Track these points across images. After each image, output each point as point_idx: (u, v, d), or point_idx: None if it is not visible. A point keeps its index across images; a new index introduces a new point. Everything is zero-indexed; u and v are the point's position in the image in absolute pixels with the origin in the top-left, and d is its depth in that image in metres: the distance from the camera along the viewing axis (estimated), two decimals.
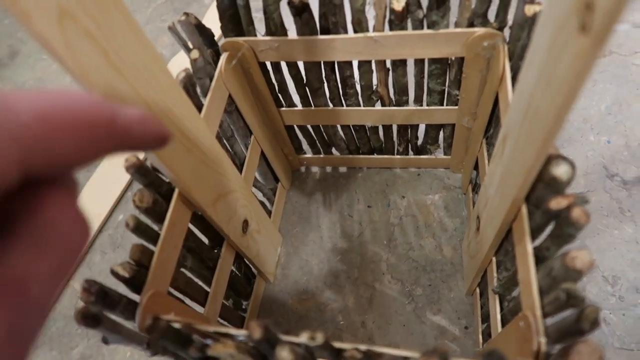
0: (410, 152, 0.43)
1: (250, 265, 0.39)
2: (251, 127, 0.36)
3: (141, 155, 0.25)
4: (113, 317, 0.22)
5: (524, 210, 0.23)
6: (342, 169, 0.46)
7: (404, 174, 0.45)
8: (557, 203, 0.20)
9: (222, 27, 0.31)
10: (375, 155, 0.44)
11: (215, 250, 0.33)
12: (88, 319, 0.19)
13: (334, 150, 0.44)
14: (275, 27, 0.30)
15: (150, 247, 0.25)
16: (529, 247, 0.22)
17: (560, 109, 0.17)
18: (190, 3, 0.60)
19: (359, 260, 0.41)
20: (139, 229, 0.25)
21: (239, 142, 0.35)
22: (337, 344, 0.20)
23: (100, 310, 0.20)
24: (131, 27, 0.20)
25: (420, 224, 0.42)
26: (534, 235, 0.22)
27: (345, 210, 0.44)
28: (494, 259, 0.30)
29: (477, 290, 0.36)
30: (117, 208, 0.48)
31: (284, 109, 0.38)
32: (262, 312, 0.40)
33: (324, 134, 0.42)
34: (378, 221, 0.43)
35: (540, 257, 0.22)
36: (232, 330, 0.22)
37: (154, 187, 0.26)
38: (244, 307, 0.38)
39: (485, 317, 0.34)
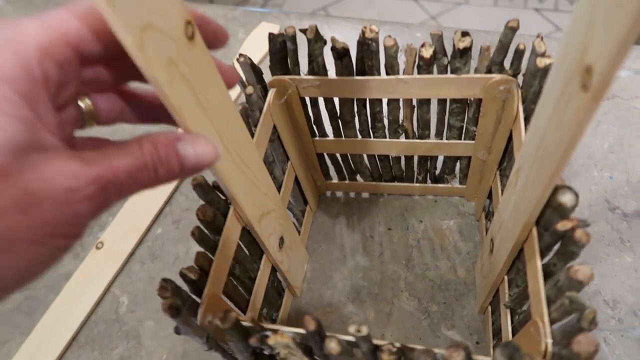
0: (429, 180, 0.47)
1: (281, 279, 0.42)
2: (289, 154, 0.41)
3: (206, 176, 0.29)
4: None
5: (535, 232, 0.27)
6: (365, 195, 0.50)
7: (422, 200, 0.49)
8: (563, 225, 0.24)
9: (271, 67, 0.36)
10: (396, 183, 0.48)
11: (256, 263, 0.37)
12: (173, 309, 0.23)
13: (358, 177, 0.48)
14: (318, 68, 0.35)
15: (209, 255, 0.29)
16: (539, 263, 0.26)
17: (565, 149, 0.21)
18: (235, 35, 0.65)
19: (379, 277, 0.45)
20: (201, 239, 0.29)
21: (278, 167, 0.40)
22: (375, 340, 0.24)
23: (181, 304, 0.24)
24: (212, 72, 0.25)
25: (436, 247, 0.46)
26: (543, 253, 0.26)
27: (367, 231, 0.48)
28: (505, 277, 0.34)
29: (489, 308, 0.40)
30: (156, 222, 0.52)
31: (317, 138, 0.43)
32: (290, 324, 0.43)
33: (351, 162, 0.46)
34: (397, 243, 0.47)
35: (548, 272, 0.26)
36: (284, 327, 0.26)
37: (213, 204, 0.30)
38: (274, 317, 0.42)
39: (496, 332, 0.37)
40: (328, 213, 0.50)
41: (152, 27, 0.20)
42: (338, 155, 0.46)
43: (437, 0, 1.80)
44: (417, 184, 0.47)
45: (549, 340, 0.24)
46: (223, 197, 0.31)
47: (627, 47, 0.16)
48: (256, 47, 0.61)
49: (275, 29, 0.63)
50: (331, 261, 0.47)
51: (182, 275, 0.27)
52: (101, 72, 0.22)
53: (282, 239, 0.39)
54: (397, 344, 0.24)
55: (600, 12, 0.17)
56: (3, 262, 0.17)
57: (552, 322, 0.24)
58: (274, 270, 0.40)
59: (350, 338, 0.24)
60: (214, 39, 0.24)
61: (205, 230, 0.30)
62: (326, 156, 0.46)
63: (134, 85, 0.24)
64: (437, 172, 0.46)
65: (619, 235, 0.43)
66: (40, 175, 0.17)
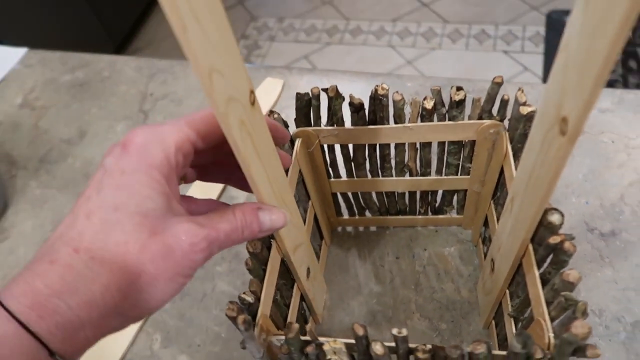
0: (430, 212, 0.53)
1: (307, 307, 0.47)
2: (310, 194, 0.46)
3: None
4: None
5: (531, 247, 0.33)
6: (373, 228, 0.56)
7: (424, 231, 0.55)
8: (554, 239, 0.30)
9: (296, 120, 0.42)
10: (401, 216, 0.54)
11: (289, 291, 0.42)
12: (247, 323, 0.28)
13: (367, 212, 0.54)
14: (337, 120, 0.41)
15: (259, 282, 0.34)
16: (537, 273, 0.32)
17: (552, 179, 0.27)
18: None
19: (392, 302, 0.50)
20: (253, 268, 0.34)
21: (301, 205, 0.45)
22: (411, 344, 0.29)
23: (251, 319, 0.29)
24: (265, 129, 0.31)
25: (441, 271, 0.51)
26: (539, 264, 0.32)
27: (377, 261, 0.53)
28: (507, 291, 0.40)
29: (493, 322, 0.45)
30: None
31: (332, 180, 0.49)
32: None
33: (361, 199, 0.52)
34: (405, 269, 0.52)
35: (544, 280, 0.32)
36: (330, 339, 0.31)
37: (260, 238, 0.36)
38: None
39: (502, 341, 0.42)
40: (341, 247, 0.55)
41: (233, 99, 0.26)
42: (349, 194, 0.52)
43: (412, 47, 1.94)
44: (420, 216, 0.53)
45: (551, 334, 0.29)
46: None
47: (591, 104, 0.22)
48: (265, 99, 0.68)
49: (280, 84, 0.70)
50: (347, 289, 0.52)
51: (241, 299, 0.32)
52: (198, 158, 0.30)
53: (308, 269, 0.44)
54: (429, 345, 0.29)
55: (570, 81, 0.23)
56: (150, 293, 0.25)
57: (552, 319, 0.30)
58: (302, 298, 0.45)
59: (391, 343, 0.29)
60: (281, 139, 0.35)
61: (254, 261, 0.35)
62: (339, 195, 0.52)
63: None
64: (437, 204, 0.52)
65: (599, 253, 0.49)
66: (174, 233, 0.25)
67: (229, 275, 0.55)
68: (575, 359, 0.28)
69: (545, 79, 1.70)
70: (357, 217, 0.55)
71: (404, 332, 0.28)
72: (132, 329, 0.52)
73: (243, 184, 0.34)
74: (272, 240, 0.37)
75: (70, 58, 0.83)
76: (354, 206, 0.53)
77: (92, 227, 0.24)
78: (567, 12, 1.88)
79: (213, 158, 0.32)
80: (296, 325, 0.29)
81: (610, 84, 1.60)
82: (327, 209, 0.52)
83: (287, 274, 0.41)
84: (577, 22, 0.23)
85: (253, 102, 0.29)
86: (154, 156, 0.26)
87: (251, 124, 0.29)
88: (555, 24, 1.85)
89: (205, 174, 0.33)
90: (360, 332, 0.28)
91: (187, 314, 0.52)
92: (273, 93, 0.69)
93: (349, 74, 0.71)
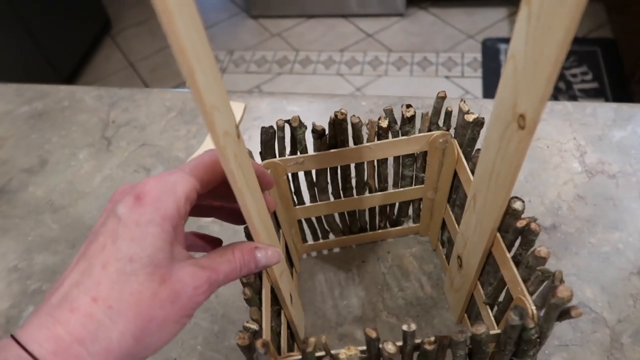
0: (388, 225, 0.57)
1: (289, 335, 0.48)
2: (280, 223, 0.48)
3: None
4: None
5: (499, 235, 0.37)
6: (337, 250, 0.58)
7: (384, 244, 0.58)
8: (520, 223, 0.34)
9: (262, 152, 0.44)
10: (362, 234, 0.57)
11: (278, 318, 0.43)
12: (265, 346, 0.29)
13: (330, 235, 0.56)
14: (302, 148, 0.44)
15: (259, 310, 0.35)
16: (509, 255, 0.36)
17: (514, 170, 0.31)
18: (196, 116, 0.73)
19: (360, 303, 0.53)
20: (251, 298, 0.35)
21: None
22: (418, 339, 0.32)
23: (269, 342, 0.30)
24: (249, 161, 0.32)
25: (404, 271, 0.55)
26: (509, 249, 0.36)
27: (344, 267, 0.56)
28: (478, 282, 0.43)
29: (465, 315, 0.49)
30: None
31: (298, 207, 0.51)
32: None
33: (324, 222, 0.54)
34: (371, 271, 0.55)
35: (516, 262, 0.36)
36: (342, 349, 0.32)
37: None
38: None
39: None
40: (307, 270, 0.57)
41: (227, 133, 0.28)
42: (314, 219, 0.54)
43: (360, 75, 2.06)
44: (380, 231, 0.57)
45: (534, 307, 0.33)
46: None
47: (545, 99, 0.27)
48: None
49: (241, 107, 0.73)
50: (318, 304, 0.53)
51: (246, 328, 0.33)
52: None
53: (291, 295, 0.45)
54: (433, 337, 0.32)
55: (522, 84, 0.28)
56: (158, 336, 0.27)
57: (531, 294, 0.34)
58: (288, 325, 0.46)
59: (399, 343, 0.31)
60: (267, 184, 0.37)
61: (251, 290, 0.36)
62: (303, 221, 0.54)
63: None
64: (395, 216, 0.56)
65: (543, 244, 0.54)
66: (180, 279, 0.28)
67: None
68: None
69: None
70: (321, 241, 0.57)
71: (413, 326, 0.30)
72: None
73: (229, 218, 0.36)
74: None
75: (26, 90, 0.83)
76: (318, 231, 0.55)
77: (109, 278, 0.26)
78: (500, 39, 2.07)
79: (205, 199, 0.34)
80: (312, 339, 0.30)
81: None
82: (294, 237, 0.54)
83: (274, 302, 0.42)
84: (521, 37, 0.27)
85: (238, 135, 0.31)
86: (166, 208, 0.28)
87: (241, 156, 0.30)
88: (489, 51, 2.03)
89: (197, 212, 0.35)
90: (373, 334, 0.30)
91: (178, 340, 0.51)
92: (236, 116, 0.71)
93: (307, 96, 0.75)
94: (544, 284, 0.32)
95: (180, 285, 0.28)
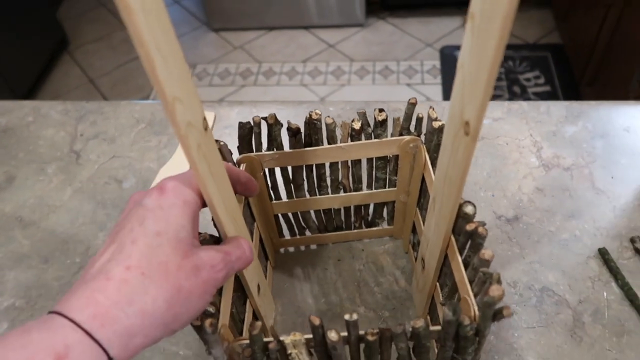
0: (363, 226, 0.58)
1: None
2: (255, 216, 0.50)
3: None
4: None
5: (452, 238, 0.39)
6: (314, 246, 0.60)
7: (360, 244, 0.60)
8: (470, 227, 0.36)
9: (239, 147, 0.46)
10: (338, 232, 0.58)
11: (242, 307, 0.45)
12: (213, 326, 0.31)
13: (307, 232, 0.58)
14: (277, 145, 0.46)
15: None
16: (459, 258, 0.37)
17: (462, 176, 0.33)
18: (167, 126, 0.74)
19: (338, 299, 0.55)
20: None
21: (247, 227, 0.49)
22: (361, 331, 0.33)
23: (217, 323, 0.32)
24: (216, 152, 0.34)
25: (379, 267, 0.57)
26: (461, 252, 0.38)
27: (321, 265, 0.58)
28: (437, 284, 0.45)
29: (428, 316, 0.50)
30: None
31: (274, 202, 0.53)
32: None
33: (301, 218, 0.56)
34: (348, 269, 0.57)
35: (466, 264, 0.37)
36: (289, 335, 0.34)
37: None
38: None
39: None
40: (285, 264, 0.59)
41: (191, 124, 0.30)
42: (290, 214, 0.56)
43: (323, 84, 2.10)
44: (355, 230, 0.58)
45: (476, 307, 0.34)
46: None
47: (484, 108, 0.28)
48: None
49: (211, 116, 0.74)
50: (297, 294, 0.55)
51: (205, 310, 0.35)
52: None
53: (259, 286, 0.47)
54: (376, 329, 0.33)
55: (467, 92, 0.30)
56: (186, 307, 0.29)
57: (475, 295, 0.35)
58: (254, 315, 0.48)
59: (344, 333, 0.33)
60: (246, 190, 0.40)
61: None
62: (280, 216, 0.56)
63: None
64: (370, 217, 0.58)
65: (507, 235, 0.58)
66: (200, 257, 0.31)
67: None
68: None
69: None
70: (297, 236, 0.59)
71: (355, 316, 0.32)
72: None
73: None
74: None
75: None
76: (295, 226, 0.57)
77: (139, 250, 0.29)
78: (457, 47, 2.15)
79: None
80: (259, 323, 0.32)
81: None
82: (270, 231, 0.56)
83: (240, 289, 0.44)
84: (467, 48, 0.29)
85: (206, 128, 0.33)
86: (187, 194, 0.32)
87: (206, 147, 0.32)
88: (448, 58, 2.12)
89: None
90: (317, 322, 0.32)
91: None
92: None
93: (275, 104, 0.77)
94: (485, 284, 0.34)
95: (200, 262, 0.30)
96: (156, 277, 0.28)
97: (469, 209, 0.36)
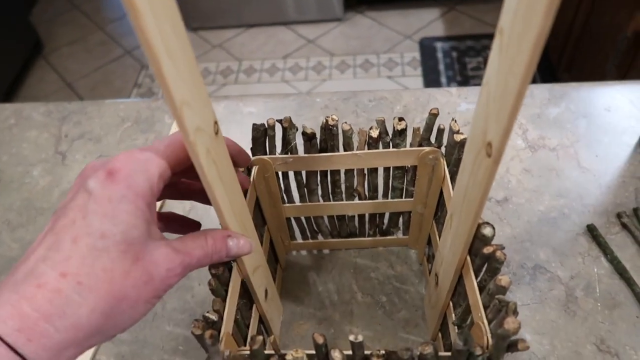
0: (378, 234, 0.57)
1: (264, 329, 0.49)
2: (266, 219, 0.49)
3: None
4: None
5: (468, 259, 0.37)
6: (326, 251, 0.59)
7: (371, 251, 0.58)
8: (487, 250, 0.34)
9: (252, 149, 0.45)
10: (351, 239, 0.57)
11: (248, 312, 0.44)
12: (214, 337, 0.30)
13: (319, 236, 0.57)
14: (291, 149, 0.45)
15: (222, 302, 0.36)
16: (474, 281, 0.36)
17: (482, 197, 0.31)
18: (153, 124, 0.73)
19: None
20: (216, 288, 0.36)
21: (258, 230, 0.48)
22: (367, 351, 0.32)
23: (217, 334, 0.31)
24: (227, 156, 0.33)
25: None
26: (476, 274, 0.36)
27: (333, 269, 0.57)
28: (450, 302, 0.43)
29: (439, 333, 0.49)
30: None
31: (287, 205, 0.51)
32: None
33: (314, 223, 0.55)
34: (360, 276, 0.56)
35: (481, 287, 0.36)
36: (291, 350, 0.33)
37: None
38: None
39: (448, 349, 0.46)
40: (295, 267, 0.58)
41: (200, 129, 0.28)
42: (303, 218, 0.54)
43: (305, 80, 2.12)
44: (369, 238, 0.57)
45: (489, 335, 0.33)
46: None
47: (509, 131, 0.27)
48: None
49: None
50: (304, 303, 0.54)
51: (205, 317, 0.34)
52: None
53: (266, 291, 0.46)
54: (383, 351, 0.32)
55: (492, 112, 0.28)
56: (128, 314, 0.27)
57: (489, 322, 0.34)
58: (260, 319, 0.47)
59: (347, 352, 0.32)
60: (244, 162, 0.38)
61: (217, 282, 0.37)
62: (292, 219, 0.55)
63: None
64: (385, 226, 0.56)
65: (498, 216, 0.58)
66: (154, 260, 0.28)
67: (177, 291, 0.56)
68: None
69: None
70: (310, 240, 0.57)
71: (360, 337, 0.30)
72: (84, 358, 0.51)
73: (206, 200, 0.37)
74: (233, 262, 0.39)
75: None
76: (307, 230, 0.56)
77: (80, 253, 0.25)
78: (435, 38, 2.20)
79: (180, 176, 0.35)
80: (260, 337, 0.31)
81: None
82: (281, 234, 0.55)
83: (246, 295, 0.43)
84: (494, 65, 0.27)
85: (217, 132, 0.32)
86: (139, 185, 0.27)
87: (216, 152, 0.31)
88: (427, 49, 2.15)
89: (174, 193, 0.36)
90: (320, 340, 0.30)
91: (139, 335, 0.53)
92: None
93: (262, 97, 0.76)
94: (501, 313, 0.32)
95: (154, 266, 0.27)
96: (96, 287, 0.25)
97: (487, 231, 0.34)
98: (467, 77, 2.07)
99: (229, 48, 2.28)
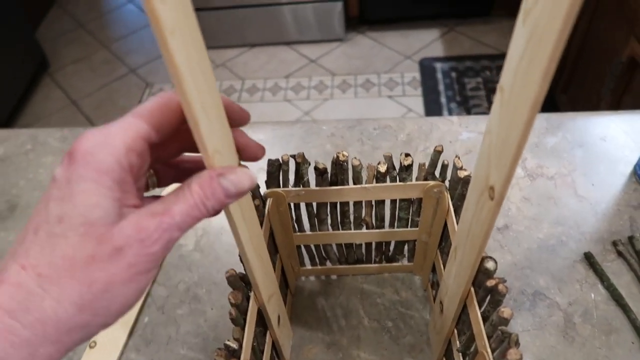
0: (384, 261, 0.59)
1: (276, 354, 0.51)
2: (278, 247, 0.51)
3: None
4: None
5: (472, 290, 0.39)
6: (334, 276, 0.61)
7: (376, 277, 0.61)
8: (490, 282, 0.36)
9: (266, 182, 0.48)
10: (358, 265, 0.59)
11: (263, 338, 0.46)
12: None
13: (327, 262, 0.59)
14: (303, 182, 0.47)
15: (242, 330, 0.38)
16: (478, 312, 0.38)
17: (485, 235, 0.34)
18: None
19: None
20: (236, 317, 0.38)
21: (271, 258, 0.50)
22: None
23: None
24: (249, 196, 0.36)
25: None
26: (480, 304, 0.38)
27: (340, 294, 0.59)
28: (455, 330, 0.45)
29: (444, 358, 0.51)
30: (142, 312, 0.59)
31: (297, 233, 0.54)
32: None
33: (322, 250, 0.57)
34: (367, 301, 0.58)
35: (485, 317, 0.38)
36: None
37: (240, 290, 0.40)
38: None
39: None
40: (304, 292, 0.60)
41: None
42: (312, 245, 0.57)
43: (307, 99, 2.15)
44: (375, 265, 0.59)
45: None
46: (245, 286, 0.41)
47: (510, 178, 0.29)
48: None
49: None
50: (312, 327, 0.56)
51: (226, 346, 0.36)
52: (161, 151, 0.30)
53: (279, 317, 0.48)
54: None
55: (494, 158, 0.30)
56: (108, 300, 0.24)
57: (492, 351, 0.36)
58: (273, 345, 0.49)
59: None
60: (239, 118, 0.32)
61: (237, 311, 0.39)
62: (302, 246, 0.57)
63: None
64: (390, 253, 0.58)
65: (499, 243, 0.61)
66: (123, 233, 0.24)
67: (190, 315, 0.58)
68: None
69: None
70: (318, 266, 0.60)
71: None
72: None
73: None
74: (250, 292, 0.41)
75: None
76: (316, 257, 0.58)
77: (39, 242, 0.24)
78: (435, 59, 2.24)
79: (178, 150, 0.32)
80: None
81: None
82: (292, 260, 0.57)
83: (261, 322, 0.45)
84: (495, 117, 0.30)
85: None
86: (101, 161, 0.24)
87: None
88: (427, 69, 2.19)
89: (181, 175, 0.33)
90: None
91: (154, 358, 0.55)
92: None
93: (270, 124, 0.79)
94: (504, 343, 0.34)
95: (123, 240, 0.24)
96: (58, 276, 0.23)
97: (490, 265, 0.37)
98: (466, 97, 2.11)
99: (232, 67, 2.33)
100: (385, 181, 0.47)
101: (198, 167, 0.31)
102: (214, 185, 0.27)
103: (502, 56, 2.21)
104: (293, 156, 0.46)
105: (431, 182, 0.47)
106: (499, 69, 2.15)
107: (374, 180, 0.48)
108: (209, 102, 0.28)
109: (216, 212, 0.28)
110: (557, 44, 0.22)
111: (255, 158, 0.33)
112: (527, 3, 0.25)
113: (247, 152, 0.33)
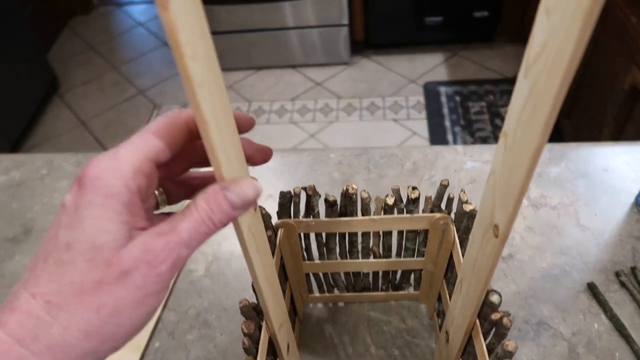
0: (390, 289, 0.60)
1: None
2: (288, 276, 0.53)
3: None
4: None
5: (478, 322, 0.40)
6: (341, 304, 0.62)
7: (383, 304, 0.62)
8: (495, 316, 0.38)
9: (278, 213, 0.49)
10: (365, 293, 0.61)
11: None
12: None
13: (335, 290, 0.61)
14: (313, 213, 0.49)
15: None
16: (483, 345, 0.39)
17: (490, 270, 0.35)
18: None
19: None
20: (249, 347, 0.40)
21: (281, 287, 0.51)
22: None
23: None
24: (262, 223, 0.37)
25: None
26: (485, 336, 0.40)
27: (348, 322, 0.60)
28: (460, 359, 0.47)
29: None
30: (152, 338, 0.60)
31: (307, 262, 0.55)
32: None
33: (331, 278, 0.59)
34: (374, 329, 0.59)
35: (490, 350, 0.39)
36: None
37: (253, 320, 0.41)
38: None
39: None
40: (312, 319, 0.61)
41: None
42: (321, 274, 0.58)
43: (312, 122, 2.19)
44: (382, 292, 0.60)
45: None
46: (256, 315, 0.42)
47: (514, 217, 0.31)
48: None
49: None
50: (320, 355, 0.57)
51: None
52: (169, 169, 0.31)
53: (288, 345, 0.49)
54: None
55: (498, 198, 0.32)
56: (116, 324, 0.25)
57: None
58: None
59: None
60: (246, 124, 0.33)
61: (250, 341, 0.40)
62: (311, 274, 0.58)
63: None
64: (397, 282, 0.60)
65: (503, 272, 0.62)
66: (130, 256, 0.25)
67: (200, 341, 0.59)
68: None
69: (431, 140, 2.05)
70: (326, 294, 0.61)
71: None
72: None
73: None
74: (262, 321, 0.42)
75: (2, 159, 0.83)
76: (324, 284, 0.60)
77: (48, 270, 0.24)
78: (439, 82, 2.29)
79: (186, 167, 0.32)
80: None
81: (484, 140, 2.02)
82: (300, 288, 0.58)
83: (271, 350, 0.46)
84: (499, 160, 0.31)
85: (256, 209, 0.36)
86: (109, 186, 0.25)
87: (255, 226, 0.35)
88: (431, 93, 2.24)
89: (190, 192, 0.33)
90: None
91: None
92: None
93: (279, 152, 0.80)
94: None
95: (131, 263, 0.24)
96: (66, 303, 0.24)
97: (494, 298, 0.38)
98: (470, 120, 2.14)
99: (238, 89, 2.37)
100: (392, 213, 0.49)
101: (206, 183, 0.31)
102: (219, 199, 0.26)
103: (505, 81, 2.25)
104: (304, 188, 0.48)
105: (437, 215, 0.48)
106: (502, 93, 2.18)
107: (382, 212, 0.49)
108: (230, 146, 0.30)
109: (223, 225, 0.27)
110: (556, 98, 0.24)
111: (264, 161, 0.34)
112: (528, 59, 0.27)
113: (255, 159, 0.34)
